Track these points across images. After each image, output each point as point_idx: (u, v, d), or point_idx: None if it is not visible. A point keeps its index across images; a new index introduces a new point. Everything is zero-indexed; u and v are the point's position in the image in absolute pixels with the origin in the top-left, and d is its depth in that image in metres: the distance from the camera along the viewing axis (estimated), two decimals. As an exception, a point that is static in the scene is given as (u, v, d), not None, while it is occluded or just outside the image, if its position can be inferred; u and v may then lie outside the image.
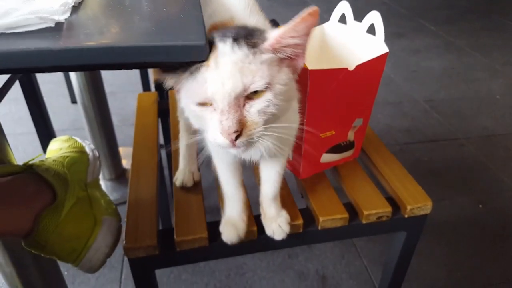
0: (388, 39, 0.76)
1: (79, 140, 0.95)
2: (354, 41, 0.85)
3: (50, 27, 0.40)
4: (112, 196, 1.66)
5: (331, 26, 0.90)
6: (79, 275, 1.33)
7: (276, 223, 0.75)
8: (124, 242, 0.73)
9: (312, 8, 0.46)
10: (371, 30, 0.83)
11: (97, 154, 0.95)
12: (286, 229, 0.75)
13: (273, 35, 0.49)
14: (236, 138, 0.48)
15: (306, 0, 3.86)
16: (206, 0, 0.62)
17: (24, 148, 1.95)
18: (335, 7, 0.88)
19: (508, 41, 3.25)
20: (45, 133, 1.93)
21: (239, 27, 0.52)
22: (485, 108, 2.34)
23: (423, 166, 1.87)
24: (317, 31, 0.89)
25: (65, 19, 0.41)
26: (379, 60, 0.79)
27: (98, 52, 0.35)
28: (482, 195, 1.71)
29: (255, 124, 0.49)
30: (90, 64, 0.36)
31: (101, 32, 0.40)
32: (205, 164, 0.81)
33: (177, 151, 0.95)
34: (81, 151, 0.92)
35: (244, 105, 0.48)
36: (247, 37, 0.49)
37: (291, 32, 0.48)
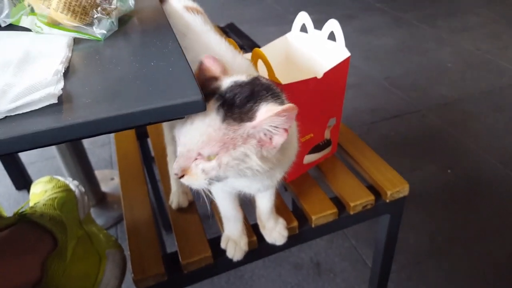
0: (340, 22, 0.80)
1: (61, 178, 0.94)
2: (317, 49, 0.90)
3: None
4: (97, 222, 1.64)
5: (294, 36, 0.94)
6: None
7: (276, 231, 0.80)
8: (132, 274, 0.76)
9: (290, 105, 0.51)
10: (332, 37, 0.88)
11: (83, 189, 0.95)
12: (285, 234, 0.80)
13: (258, 119, 0.51)
14: (181, 177, 0.54)
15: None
16: (187, 47, 0.65)
17: (-5, 188, 1.89)
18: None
19: (450, 9, 3.41)
20: (14, 168, 1.87)
21: (252, 90, 0.53)
22: (439, 77, 2.46)
23: (391, 141, 1.96)
24: (281, 42, 0.94)
25: (61, 89, 0.43)
26: (343, 64, 0.84)
27: (105, 122, 0.37)
28: (450, 160, 1.82)
29: (197, 177, 0.54)
30: (99, 133, 0.39)
31: (101, 99, 0.41)
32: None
33: (165, 173, 0.97)
34: (67, 189, 0.92)
35: (196, 159, 0.53)
36: (239, 106, 0.51)
37: (270, 121, 0.51)
